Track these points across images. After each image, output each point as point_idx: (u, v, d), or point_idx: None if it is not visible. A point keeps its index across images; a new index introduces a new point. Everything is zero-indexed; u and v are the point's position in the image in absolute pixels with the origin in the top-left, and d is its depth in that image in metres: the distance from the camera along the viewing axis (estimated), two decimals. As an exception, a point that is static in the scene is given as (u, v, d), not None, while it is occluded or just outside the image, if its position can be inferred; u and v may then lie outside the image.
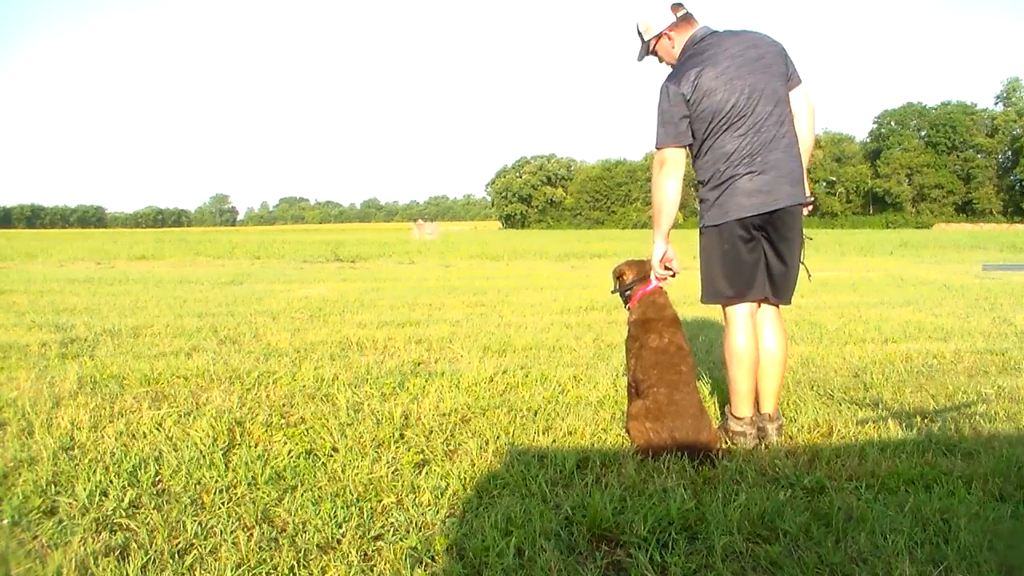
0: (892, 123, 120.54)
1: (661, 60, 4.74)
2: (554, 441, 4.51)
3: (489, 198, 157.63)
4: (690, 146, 4.48)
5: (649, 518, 3.25)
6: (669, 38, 4.60)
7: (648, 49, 4.72)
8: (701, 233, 4.62)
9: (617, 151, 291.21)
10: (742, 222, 4.38)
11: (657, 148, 4.44)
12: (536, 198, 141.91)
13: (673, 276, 4.71)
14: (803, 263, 4.62)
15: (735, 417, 4.57)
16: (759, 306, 4.63)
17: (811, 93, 4.58)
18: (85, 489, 3.66)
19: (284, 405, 5.37)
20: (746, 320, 4.55)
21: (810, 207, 4.61)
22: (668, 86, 4.40)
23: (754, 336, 4.55)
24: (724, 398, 4.94)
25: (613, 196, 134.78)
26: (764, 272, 4.52)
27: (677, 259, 4.67)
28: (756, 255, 4.48)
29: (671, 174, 4.43)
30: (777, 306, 4.65)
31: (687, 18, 4.57)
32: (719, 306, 4.71)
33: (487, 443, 4.44)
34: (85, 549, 3.06)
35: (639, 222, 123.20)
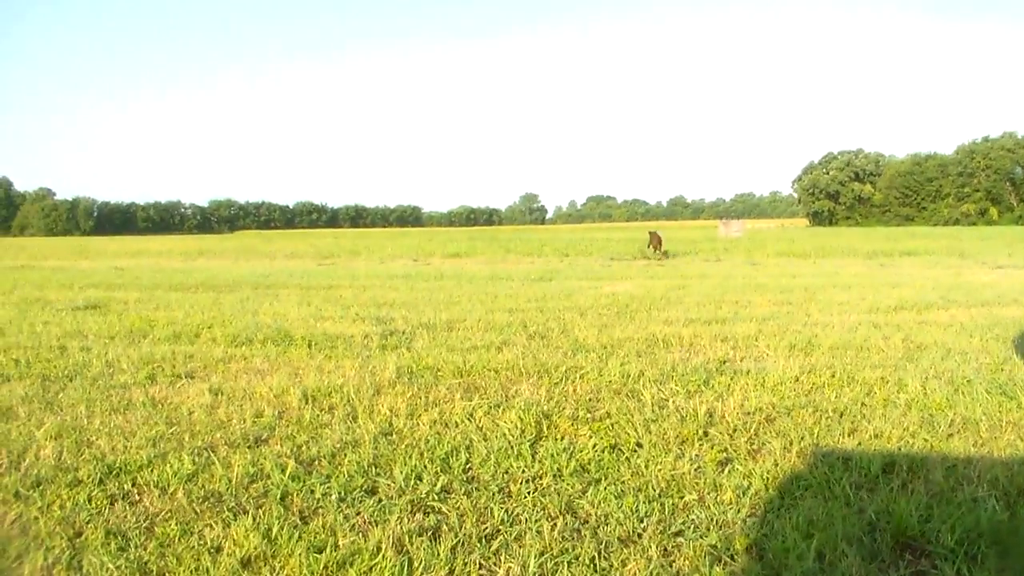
0: None
1: None
2: (859, 444, 4.45)
3: (796, 195, 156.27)
4: None
5: (957, 528, 3.15)
6: None
7: None
8: None
9: (927, 144, 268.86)
10: None
11: None
12: (844, 195, 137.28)
13: None
14: None
15: None
16: None
17: None
18: (402, 472, 4.12)
19: (590, 400, 5.62)
20: None
21: None
22: None
23: None
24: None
25: (923, 192, 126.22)
26: None
27: None
28: None
29: None
30: None
31: None
32: None
33: (791, 443, 4.45)
34: (401, 527, 3.45)
35: (951, 219, 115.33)
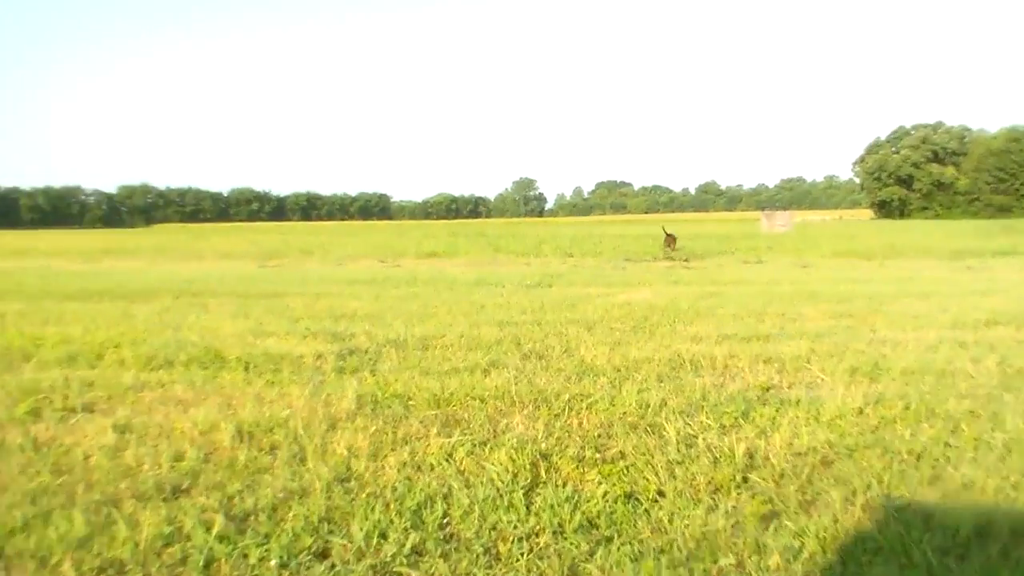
0: None
1: None
2: (944, 496, 4.40)
3: (857, 180, 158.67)
4: None
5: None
6: None
7: None
8: None
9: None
10: None
11: None
12: (919, 179, 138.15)
13: None
14: None
15: None
16: None
17: None
18: (362, 529, 4.04)
19: (600, 436, 5.58)
20: None
21: None
22: None
23: None
24: None
25: (1023, 175, 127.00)
26: None
27: None
28: None
29: None
30: None
31: None
32: None
33: (854, 493, 4.41)
34: (360, 602, 3.36)
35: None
